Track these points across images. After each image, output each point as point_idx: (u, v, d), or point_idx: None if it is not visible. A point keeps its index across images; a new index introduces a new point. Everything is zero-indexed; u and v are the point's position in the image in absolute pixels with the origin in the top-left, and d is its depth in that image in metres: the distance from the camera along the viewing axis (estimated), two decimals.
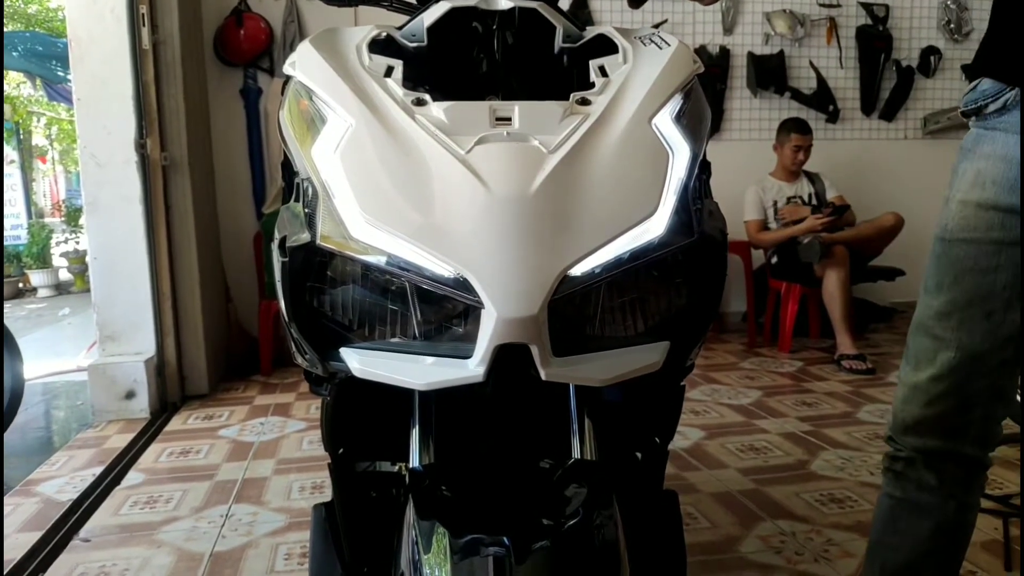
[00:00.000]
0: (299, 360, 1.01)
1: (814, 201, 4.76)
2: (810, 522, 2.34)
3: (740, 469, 2.80)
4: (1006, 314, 1.23)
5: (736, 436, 3.17)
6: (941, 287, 1.28)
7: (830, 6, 5.22)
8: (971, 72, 1.30)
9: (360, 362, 0.89)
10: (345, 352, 0.91)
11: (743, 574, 2.06)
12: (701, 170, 0.98)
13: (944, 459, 1.32)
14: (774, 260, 4.76)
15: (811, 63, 5.24)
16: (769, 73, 5.17)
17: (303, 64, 1.01)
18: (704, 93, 1.07)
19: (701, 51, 5.08)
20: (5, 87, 12.26)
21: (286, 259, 0.90)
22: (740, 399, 3.71)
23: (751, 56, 5.17)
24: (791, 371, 4.24)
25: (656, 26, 4.85)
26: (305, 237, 0.89)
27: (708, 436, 3.17)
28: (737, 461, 2.88)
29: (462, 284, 0.81)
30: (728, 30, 5.16)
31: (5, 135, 11.29)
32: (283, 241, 0.91)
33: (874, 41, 5.24)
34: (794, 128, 4.70)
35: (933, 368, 1.29)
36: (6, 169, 10.94)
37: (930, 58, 5.35)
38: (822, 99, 5.25)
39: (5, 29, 11.08)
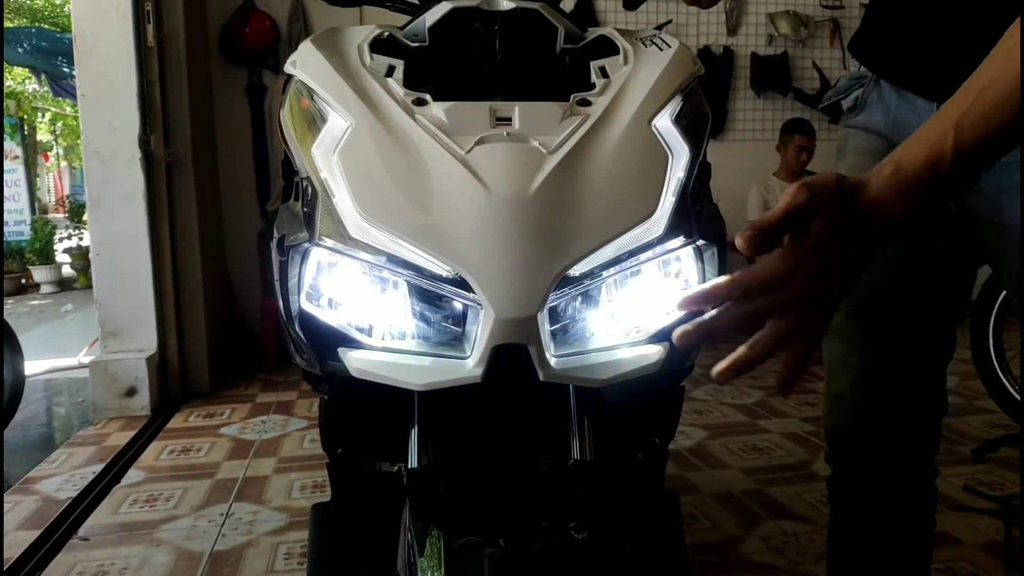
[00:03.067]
0: (297, 360, 1.01)
1: None
2: (812, 523, 2.33)
3: (742, 469, 2.80)
4: (911, 306, 1.18)
5: (739, 436, 3.17)
6: None
7: (833, 7, 5.21)
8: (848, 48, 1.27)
9: (358, 362, 0.89)
10: (343, 352, 0.90)
11: (745, 575, 2.06)
12: (701, 172, 0.98)
13: (889, 472, 1.24)
14: None
15: (814, 64, 5.23)
16: (772, 74, 5.16)
17: (304, 63, 1.01)
18: (705, 94, 1.06)
19: (705, 52, 5.07)
20: (11, 82, 12.29)
21: (284, 258, 0.90)
22: (743, 399, 3.70)
23: (754, 57, 5.16)
24: None
25: (660, 27, 4.84)
26: (304, 236, 0.89)
27: (710, 436, 3.17)
28: (739, 461, 2.88)
29: (460, 284, 0.81)
30: (732, 31, 5.15)
31: (10, 131, 11.30)
32: (281, 240, 0.91)
33: None
34: (797, 129, 4.69)
35: (851, 373, 1.22)
36: (11, 165, 10.94)
37: None
38: None
39: (11, 24, 11.10)
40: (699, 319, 0.69)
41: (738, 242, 0.67)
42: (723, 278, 0.69)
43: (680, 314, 0.94)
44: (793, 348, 0.70)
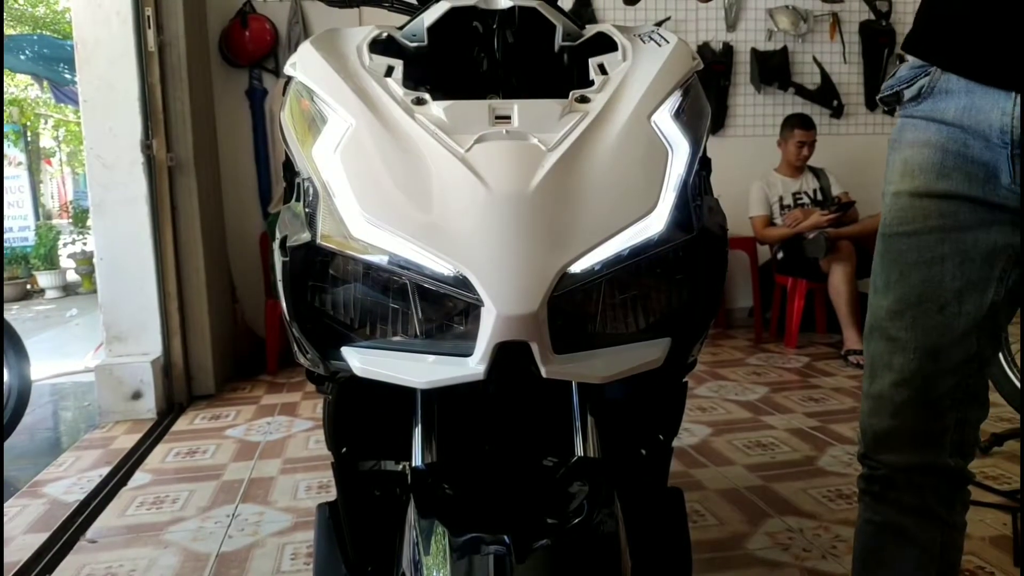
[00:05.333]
0: (301, 359, 1.02)
1: (819, 197, 4.75)
2: (818, 518, 2.33)
3: (747, 466, 2.79)
4: (960, 305, 1.15)
5: (743, 432, 3.17)
6: (889, 285, 1.20)
7: (833, 1, 5.20)
8: (903, 48, 1.22)
9: (361, 361, 0.89)
10: (346, 351, 0.91)
11: (750, 571, 2.05)
12: (701, 166, 0.98)
13: (924, 474, 1.22)
14: (780, 256, 4.75)
15: (815, 59, 5.23)
16: (773, 69, 5.16)
17: (304, 64, 1.02)
18: (705, 90, 1.07)
19: (704, 48, 5.07)
20: (13, 89, 12.32)
21: (287, 259, 0.90)
22: (747, 395, 3.70)
23: (754, 52, 5.16)
24: (798, 367, 4.23)
25: (659, 23, 4.84)
26: (305, 237, 0.89)
27: (715, 433, 3.17)
28: (744, 458, 2.88)
29: (462, 282, 0.81)
30: (731, 27, 5.15)
31: (13, 137, 11.33)
32: (284, 241, 0.91)
33: (877, 36, 5.22)
34: (798, 124, 4.69)
35: (893, 373, 1.20)
36: (15, 171, 10.97)
37: None
38: (826, 94, 5.23)
39: (13, 31, 11.12)
40: None
41: None
42: None
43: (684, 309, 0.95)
44: None
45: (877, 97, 1.28)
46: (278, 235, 0.93)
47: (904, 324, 1.18)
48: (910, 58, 1.20)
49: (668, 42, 1.05)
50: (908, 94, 1.18)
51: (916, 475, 1.23)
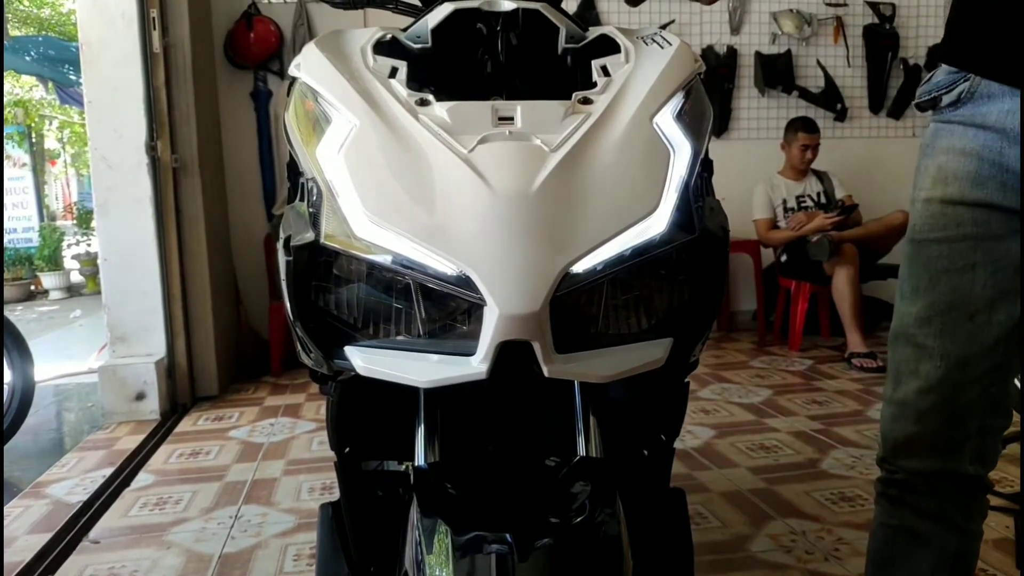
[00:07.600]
0: (304, 359, 1.02)
1: (823, 200, 4.75)
2: (820, 521, 2.33)
3: (750, 468, 2.80)
4: (990, 314, 1.14)
5: (746, 435, 3.17)
6: (918, 291, 1.19)
7: (837, 5, 5.20)
8: (939, 59, 1.22)
9: (364, 360, 0.89)
10: (349, 351, 0.91)
11: (753, 573, 2.06)
12: (703, 168, 0.98)
13: (943, 480, 1.21)
14: (783, 259, 4.75)
15: (818, 62, 5.23)
16: (777, 72, 5.16)
17: (308, 66, 1.02)
18: (709, 92, 1.07)
19: (708, 51, 5.07)
20: (18, 91, 12.36)
21: (290, 258, 0.91)
22: (750, 398, 3.70)
23: (758, 56, 5.16)
24: (801, 369, 4.23)
25: (663, 27, 4.84)
26: (309, 236, 0.90)
27: (718, 435, 3.17)
28: (747, 460, 2.88)
29: (464, 282, 0.82)
30: (735, 30, 5.15)
31: (18, 139, 11.36)
32: (287, 240, 0.92)
33: (881, 40, 5.22)
34: (801, 127, 4.69)
35: (918, 380, 1.19)
36: (19, 172, 11.00)
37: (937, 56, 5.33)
38: (830, 98, 5.23)
39: (19, 33, 11.16)
40: None
41: None
42: None
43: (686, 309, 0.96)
44: None
45: (914, 102, 1.27)
46: (282, 235, 0.94)
47: (932, 331, 1.17)
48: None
49: (671, 44, 1.05)
50: (947, 99, 1.17)
51: (935, 481, 1.22)
